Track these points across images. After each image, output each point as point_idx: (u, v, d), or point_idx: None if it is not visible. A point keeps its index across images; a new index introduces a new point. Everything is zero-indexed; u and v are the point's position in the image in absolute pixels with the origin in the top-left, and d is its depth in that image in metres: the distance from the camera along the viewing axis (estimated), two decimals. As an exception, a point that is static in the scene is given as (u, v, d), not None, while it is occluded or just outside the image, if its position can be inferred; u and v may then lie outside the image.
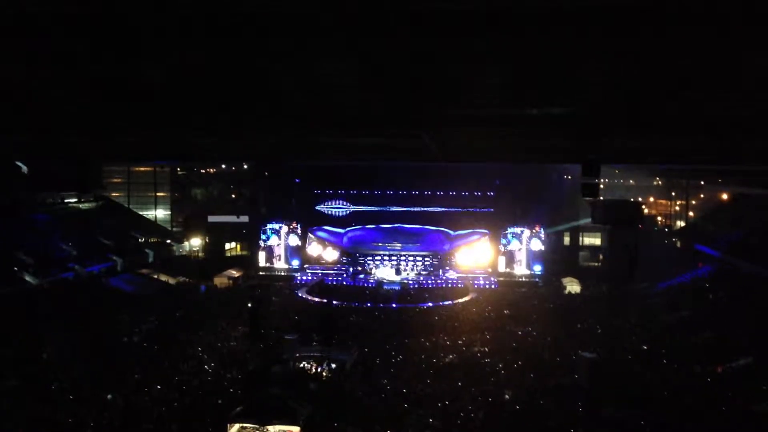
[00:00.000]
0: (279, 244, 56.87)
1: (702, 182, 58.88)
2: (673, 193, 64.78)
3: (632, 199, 53.97)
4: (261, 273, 55.68)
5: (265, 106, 10.53)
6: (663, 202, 66.78)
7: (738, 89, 8.87)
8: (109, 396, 21.94)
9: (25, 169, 45.45)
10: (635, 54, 6.96)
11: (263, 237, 56.68)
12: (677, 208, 64.36)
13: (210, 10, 5.37)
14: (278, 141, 17.50)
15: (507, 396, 23.08)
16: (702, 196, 61.20)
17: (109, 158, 36.39)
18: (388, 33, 5.74)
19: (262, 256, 56.78)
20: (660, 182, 66.41)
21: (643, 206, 46.57)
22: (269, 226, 56.87)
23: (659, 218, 65.26)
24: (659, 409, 21.13)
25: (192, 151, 23.83)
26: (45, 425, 19.34)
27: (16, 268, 37.71)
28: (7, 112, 12.04)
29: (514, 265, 54.51)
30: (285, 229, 56.96)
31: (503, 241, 54.74)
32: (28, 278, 37.20)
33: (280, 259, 56.90)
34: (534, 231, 54.25)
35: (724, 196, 56.48)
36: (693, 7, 5.15)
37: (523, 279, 53.52)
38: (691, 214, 61.52)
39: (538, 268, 54.05)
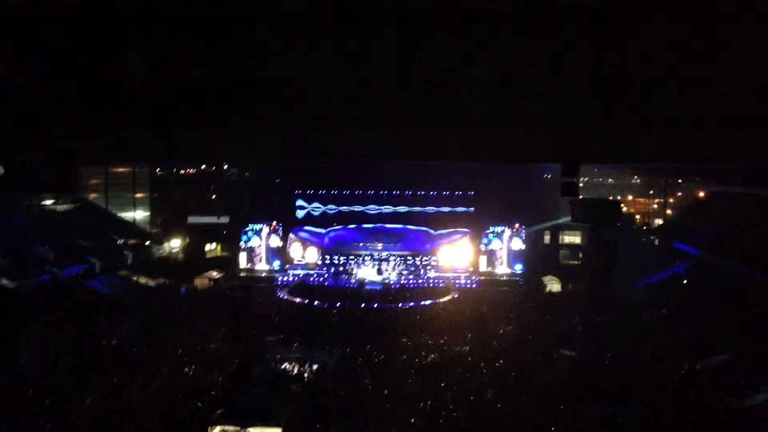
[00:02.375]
0: (260, 245, 56.66)
1: (680, 180, 59.60)
2: (652, 192, 65.52)
3: (611, 198, 54.49)
4: (242, 274, 55.42)
5: (244, 104, 10.47)
6: (641, 200, 67.54)
7: (716, 86, 8.95)
8: (88, 400, 21.69)
9: (1, 169, 44.89)
10: (613, 51, 7.00)
11: (244, 238, 56.45)
12: (655, 206, 65.08)
13: (193, 7, 5.32)
14: (259, 140, 17.39)
15: (489, 395, 23.13)
16: (680, 194, 61.96)
17: (89, 157, 36.01)
18: (367, 30, 5.72)
19: (242, 257, 56.53)
20: (638, 180, 67.13)
21: (622, 205, 47.04)
22: (250, 226, 56.63)
23: (638, 216, 65.93)
24: (639, 405, 21.31)
25: (174, 150, 23.61)
26: (23, 430, 19.08)
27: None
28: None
29: (495, 264, 54.79)
30: (266, 229, 56.77)
31: (484, 240, 54.99)
32: (4, 281, 36.67)
33: (261, 260, 56.70)
34: (514, 230, 54.59)
35: (702, 194, 57.18)
36: (670, 7, 5.17)
37: (504, 278, 53.79)
38: (669, 212, 62.20)
39: (518, 267, 54.37)
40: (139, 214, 65.37)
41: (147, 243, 58.83)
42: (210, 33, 6.40)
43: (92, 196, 61.89)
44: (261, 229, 56.69)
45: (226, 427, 19.72)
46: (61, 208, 53.90)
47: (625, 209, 60.36)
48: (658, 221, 63.44)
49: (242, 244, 56.64)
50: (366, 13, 5.49)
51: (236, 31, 6.27)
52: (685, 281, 41.80)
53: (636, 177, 67.11)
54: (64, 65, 8.20)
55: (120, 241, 54.95)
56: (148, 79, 8.90)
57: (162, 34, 6.50)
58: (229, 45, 6.90)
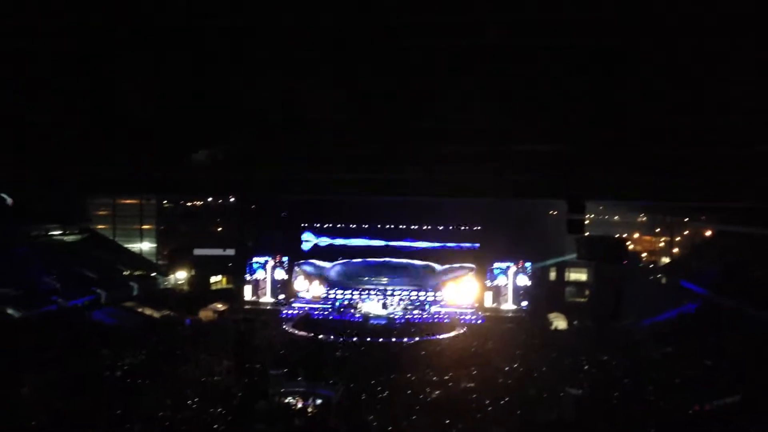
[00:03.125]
0: (265, 277, 56.63)
1: (686, 219, 59.52)
2: (658, 230, 65.38)
3: (617, 235, 54.41)
4: (247, 307, 55.26)
5: (247, 143, 10.63)
6: (648, 238, 67.36)
7: (720, 128, 9.07)
8: (90, 432, 21.59)
9: (9, 201, 45.29)
10: (618, 91, 7.12)
11: (249, 271, 56.47)
12: (662, 244, 64.89)
13: (196, 47, 5.47)
14: (263, 176, 17.55)
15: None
16: (686, 232, 61.81)
17: (95, 190, 36.25)
18: (372, 68, 5.86)
19: (248, 290, 56.45)
20: (645, 218, 67.05)
21: (628, 242, 46.95)
22: (255, 259, 56.70)
23: (644, 254, 65.71)
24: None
25: (178, 184, 23.83)
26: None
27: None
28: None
29: (501, 301, 54.54)
30: (271, 262, 56.78)
31: (489, 276, 54.80)
32: (10, 311, 36.70)
33: (266, 293, 56.61)
34: (520, 266, 54.43)
35: (708, 233, 57.03)
36: (672, 50, 5.31)
37: (510, 314, 53.45)
38: (675, 250, 62.01)
39: (524, 304, 54.07)
40: (146, 246, 65.57)
41: (153, 274, 58.88)
42: (215, 75, 6.58)
43: (99, 227, 62.17)
44: (266, 262, 56.72)
45: (229, 462, 19.56)
46: (68, 238, 54.15)
47: (631, 247, 60.20)
48: (665, 259, 63.19)
49: (247, 277, 56.63)
50: (369, 56, 5.64)
51: (242, 72, 6.44)
52: (692, 320, 41.46)
53: (642, 215, 67.02)
54: (71, 104, 8.38)
55: (126, 272, 55.03)
56: (152, 119, 9.08)
57: (165, 73, 6.68)
58: (233, 86, 7.08)
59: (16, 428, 21.58)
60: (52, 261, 46.82)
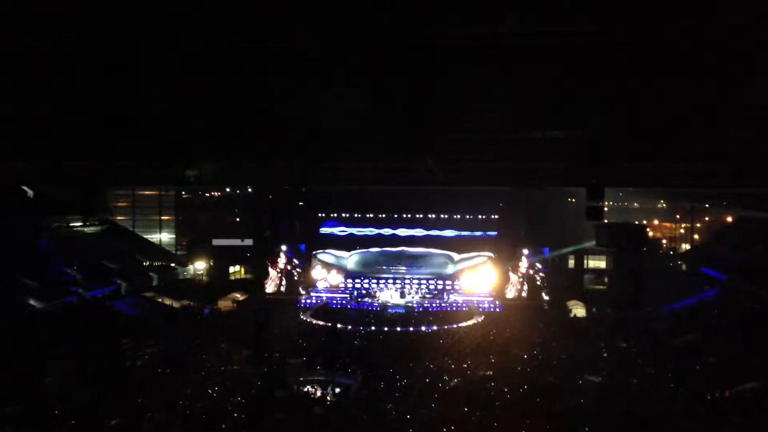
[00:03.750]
0: (283, 267, 56.84)
1: (707, 205, 58.87)
2: (678, 216, 64.73)
3: (636, 222, 54.08)
4: (265, 296, 55.56)
5: (266, 133, 10.62)
6: (668, 224, 66.72)
7: (738, 113, 8.92)
8: (112, 421, 21.82)
9: (30, 193, 45.77)
10: (635, 80, 7.02)
11: (267, 261, 56.66)
12: (682, 230, 64.27)
13: (211, 45, 5.45)
14: (281, 167, 17.60)
15: (517, 422, 22.82)
16: (707, 218, 61.14)
17: (115, 182, 36.54)
18: (391, 61, 5.81)
19: (266, 280, 56.72)
20: (664, 205, 66.40)
21: (648, 229, 46.58)
22: (273, 249, 56.88)
23: (664, 241, 65.13)
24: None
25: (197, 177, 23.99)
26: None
27: (20, 292, 37.71)
28: (14, 140, 12.17)
29: (519, 289, 54.33)
30: (289, 252, 56.98)
31: (507, 264, 54.60)
32: (32, 302, 37.19)
33: (284, 283, 56.83)
34: (538, 254, 54.17)
35: (729, 219, 56.40)
36: (685, 43, 5.22)
37: (528, 302, 53.26)
38: (696, 237, 61.40)
39: (542, 292, 53.84)
40: (165, 236, 66.09)
41: (172, 265, 59.39)
42: (232, 68, 6.56)
43: (119, 218, 62.75)
44: (284, 252, 56.92)
45: (249, 450, 19.72)
46: (89, 230, 54.71)
47: (650, 234, 59.70)
48: (685, 246, 62.61)
49: (266, 267, 56.87)
50: (385, 47, 5.60)
51: (262, 65, 6.42)
52: (712, 307, 41.09)
53: (662, 201, 66.39)
54: (88, 99, 8.42)
55: (146, 263, 55.54)
56: (170, 113, 9.11)
57: (184, 71, 6.68)
58: (252, 76, 7.06)
59: (40, 416, 21.87)
60: (73, 252, 47.37)
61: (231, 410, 24.20)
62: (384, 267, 57.57)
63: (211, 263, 61.91)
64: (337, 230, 61.50)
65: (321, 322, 44.89)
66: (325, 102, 7.64)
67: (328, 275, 58.19)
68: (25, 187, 44.35)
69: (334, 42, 5.08)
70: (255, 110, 8.35)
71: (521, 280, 54.32)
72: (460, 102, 8.24)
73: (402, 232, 60.02)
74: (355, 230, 61.18)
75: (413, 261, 57.53)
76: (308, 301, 53.81)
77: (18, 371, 25.83)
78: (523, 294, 54.11)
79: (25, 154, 15.25)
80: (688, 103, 8.20)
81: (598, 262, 60.27)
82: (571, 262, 60.12)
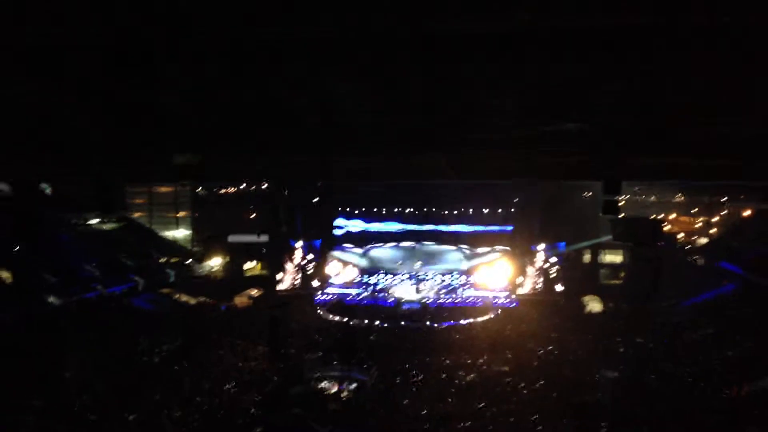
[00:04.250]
0: (299, 263, 56.96)
1: (724, 198, 58.34)
2: (696, 210, 64.20)
3: (653, 216, 53.68)
4: (281, 292, 55.76)
5: (280, 129, 10.65)
6: (684, 218, 66.16)
7: (754, 106, 8.82)
8: (131, 417, 22.04)
9: (48, 190, 46.21)
10: (650, 73, 6.97)
11: (283, 256, 56.78)
12: (699, 224, 63.72)
13: (227, 39, 5.47)
14: (297, 163, 17.66)
15: (533, 418, 22.79)
16: (724, 212, 60.59)
17: (131, 179, 36.82)
18: (404, 58, 5.80)
19: (281, 276, 56.89)
20: (681, 198, 65.86)
21: (665, 223, 46.19)
22: (289, 245, 57.02)
23: (681, 235, 64.62)
24: (685, 428, 20.80)
25: (210, 171, 24.10)
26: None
27: (40, 288, 38.11)
28: (33, 136, 12.29)
29: (534, 284, 54.10)
30: (305, 248, 57.09)
31: (522, 259, 54.38)
32: (51, 298, 37.57)
33: (299, 279, 56.96)
34: (553, 249, 53.87)
35: (747, 213, 55.85)
36: (706, 30, 5.17)
37: (544, 297, 53.05)
38: (713, 230, 60.85)
39: (558, 287, 53.58)
40: (181, 233, 66.44)
41: (188, 261, 59.73)
42: (247, 62, 6.57)
43: (136, 215, 63.19)
44: (300, 248, 57.04)
45: (266, 446, 19.84)
46: (106, 227, 55.15)
47: (667, 228, 59.22)
48: (702, 240, 62.07)
49: (281, 263, 57.03)
50: (397, 44, 5.59)
51: (272, 60, 6.43)
52: (731, 301, 40.73)
53: (679, 195, 65.84)
54: (106, 96, 8.48)
55: (162, 260, 55.90)
56: (186, 107, 9.15)
57: (199, 63, 6.71)
58: (267, 73, 7.07)
59: (60, 410, 22.13)
60: (91, 249, 47.77)
61: (248, 406, 24.36)
62: (399, 263, 57.53)
63: (227, 259, 62.21)
64: (352, 226, 61.53)
65: (336, 318, 45.01)
66: (340, 96, 7.65)
67: (343, 271, 58.26)
68: (42, 184, 44.76)
69: (349, 35, 5.09)
70: (271, 105, 8.38)
71: (537, 275, 54.06)
72: (475, 96, 8.23)
73: (417, 227, 59.97)
74: (370, 226, 61.18)
75: (428, 256, 57.44)
76: (323, 297, 53.95)
77: (38, 366, 26.16)
78: (539, 289, 53.86)
79: (42, 151, 15.40)
80: (706, 95, 8.13)
81: (614, 257, 59.86)
82: (587, 257, 59.79)
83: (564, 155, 15.23)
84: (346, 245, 59.63)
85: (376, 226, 60.94)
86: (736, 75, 7.10)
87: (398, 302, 51.18)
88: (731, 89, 7.82)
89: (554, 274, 53.76)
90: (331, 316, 46.68)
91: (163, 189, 65.14)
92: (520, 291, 53.81)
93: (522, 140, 11.65)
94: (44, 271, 40.17)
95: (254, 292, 52.50)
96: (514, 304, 51.04)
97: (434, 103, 8.18)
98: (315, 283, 56.75)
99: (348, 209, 61.56)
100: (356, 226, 61.51)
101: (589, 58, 6.42)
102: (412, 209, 59.87)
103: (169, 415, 22.61)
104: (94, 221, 53.72)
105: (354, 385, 26.91)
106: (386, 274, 56.78)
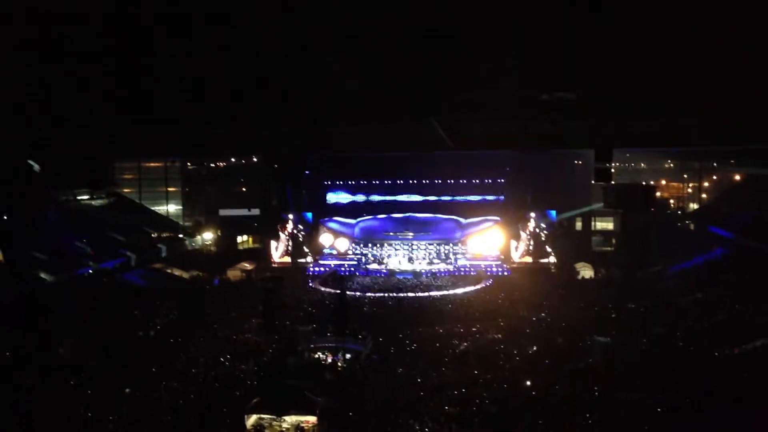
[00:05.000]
0: (291, 236, 56.87)
1: (714, 164, 58.50)
2: (686, 176, 64.41)
3: (644, 183, 53.84)
4: (274, 265, 55.81)
5: (273, 100, 10.52)
6: (675, 184, 66.43)
7: (745, 69, 8.76)
8: (126, 390, 22.12)
9: (37, 167, 45.79)
10: (645, 38, 6.88)
11: (275, 229, 56.63)
12: (690, 190, 63.99)
13: (219, 6, 5.35)
14: (288, 133, 17.51)
15: (527, 383, 23.01)
16: (715, 177, 60.82)
17: (122, 154, 36.48)
18: (399, 17, 5.69)
19: (274, 249, 56.85)
20: (672, 165, 66.03)
21: (656, 189, 46.33)
22: (281, 218, 56.80)
23: (672, 201, 64.90)
24: (675, 392, 21.06)
25: (203, 145, 23.90)
26: (64, 420, 19.50)
27: (31, 266, 37.97)
28: (21, 111, 12.11)
29: (526, 252, 54.32)
30: (296, 220, 56.96)
31: (515, 228, 54.50)
32: (43, 275, 37.47)
33: (292, 251, 56.94)
34: (545, 217, 54.00)
35: (737, 177, 56.07)
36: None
37: (536, 265, 53.34)
38: (704, 196, 61.14)
39: (550, 254, 53.85)
40: (172, 208, 66.19)
41: (180, 236, 59.60)
42: (236, 32, 6.45)
43: (126, 190, 62.81)
44: (292, 220, 56.91)
45: (262, 416, 19.98)
46: (96, 203, 54.86)
47: (658, 194, 59.40)
48: (693, 206, 62.39)
49: (273, 236, 56.94)
50: (389, 5, 5.49)
51: (263, 29, 6.30)
52: (721, 266, 41.05)
53: (669, 161, 65.98)
54: (94, 69, 8.33)
55: (154, 235, 55.74)
56: (175, 79, 9.01)
57: (188, 34, 6.58)
58: (256, 43, 6.95)
59: (55, 387, 22.17)
60: (81, 225, 47.53)
61: (244, 378, 24.50)
62: (391, 233, 57.57)
63: (219, 234, 62.14)
64: (344, 197, 61.45)
65: (330, 290, 45.11)
66: (331, 66, 7.53)
67: (336, 242, 58.32)
68: (30, 161, 44.36)
69: (340, 1, 4.99)
70: (261, 75, 8.25)
71: (529, 243, 54.26)
72: (467, 64, 8.12)
73: (409, 198, 59.95)
74: (362, 197, 61.11)
75: (421, 227, 57.50)
76: (316, 269, 54.05)
77: (33, 343, 26.15)
78: (531, 257, 54.12)
79: (31, 126, 15.21)
80: (695, 60, 8.05)
81: (605, 224, 60.25)
82: (579, 225, 60.08)
83: (556, 123, 15.16)
84: (338, 217, 59.58)
85: (368, 197, 60.83)
86: (729, 37, 7.02)
87: (391, 272, 51.37)
88: (725, 52, 7.75)
89: (546, 242, 53.96)
90: (324, 287, 46.81)
91: (153, 164, 64.71)
92: (513, 259, 54.03)
93: (515, 108, 11.57)
94: (34, 249, 39.97)
95: (247, 266, 52.54)
96: (507, 273, 51.32)
97: (430, 70, 8.07)
98: (308, 256, 56.80)
99: (340, 181, 61.37)
100: (348, 197, 61.41)
101: (582, 25, 6.33)
102: (404, 180, 59.75)
103: (166, 388, 22.71)
104: (83, 197, 53.40)
105: (348, 356, 27.07)
106: (379, 245, 56.88)
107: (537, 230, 54.03)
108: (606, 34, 6.75)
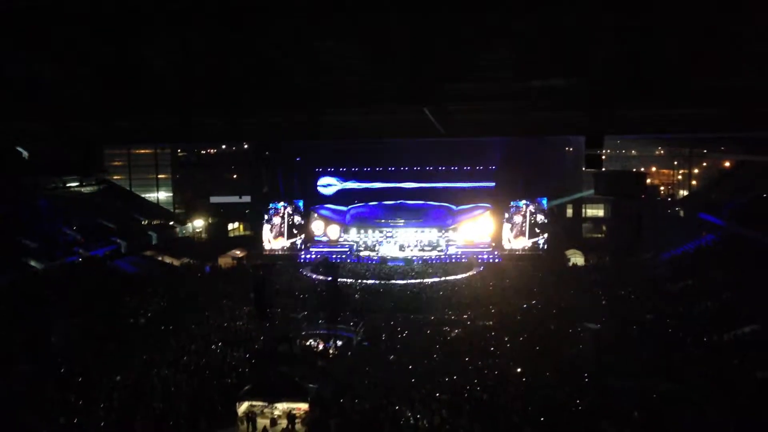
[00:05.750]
0: (282, 223, 56.80)
1: (704, 150, 58.67)
2: (676, 162, 64.61)
3: (635, 170, 53.96)
4: (265, 252, 55.75)
5: (266, 87, 10.43)
6: (665, 171, 66.62)
7: (741, 56, 8.75)
8: (117, 377, 22.10)
9: (25, 153, 45.44)
10: (636, 26, 6.86)
11: (266, 217, 56.57)
12: (680, 177, 64.22)
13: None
14: (280, 120, 17.41)
15: (518, 370, 23.12)
16: (705, 164, 61.04)
17: (112, 141, 36.21)
18: (390, 10, 5.64)
19: (265, 236, 56.78)
20: (662, 152, 66.20)
21: (646, 176, 46.43)
22: (272, 205, 56.74)
23: (662, 188, 65.12)
24: (665, 378, 21.22)
25: (194, 132, 23.69)
26: (56, 407, 19.48)
27: (20, 253, 37.76)
28: (9, 99, 11.98)
29: (517, 239, 54.44)
30: (287, 207, 56.86)
31: (506, 214, 54.59)
32: (33, 263, 37.26)
33: (283, 238, 56.91)
34: (536, 204, 54.09)
35: (727, 164, 56.29)
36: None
37: (527, 252, 53.51)
38: (694, 182, 61.38)
39: (541, 241, 54.00)
40: (162, 195, 65.93)
41: (171, 223, 59.38)
42: (231, 19, 6.38)
43: (115, 177, 62.48)
44: (282, 208, 56.81)
45: (254, 403, 20.01)
46: (85, 189, 54.53)
47: (648, 181, 59.58)
48: (683, 192, 62.64)
49: (264, 223, 56.87)
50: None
51: (257, 16, 6.23)
52: (710, 252, 41.28)
53: (659, 148, 66.15)
54: (84, 55, 8.23)
55: (144, 222, 55.51)
56: (167, 66, 8.92)
57: (181, 21, 6.49)
58: (249, 30, 6.87)
59: (46, 375, 22.13)
60: (71, 213, 47.26)
61: (235, 365, 24.51)
62: (383, 220, 57.64)
63: (210, 221, 61.98)
64: (335, 184, 61.35)
65: (321, 277, 45.11)
66: (323, 53, 7.47)
67: (327, 230, 58.31)
68: (20, 148, 43.98)
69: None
70: (251, 62, 8.18)
71: (520, 230, 54.35)
72: (459, 51, 8.07)
73: (400, 185, 59.91)
74: (353, 184, 61.01)
75: (412, 214, 57.56)
76: (308, 256, 54.05)
77: (24, 331, 26.05)
78: (522, 244, 54.25)
79: (19, 113, 15.05)
80: (685, 46, 8.03)
81: (596, 211, 60.43)
82: (570, 211, 60.26)
83: (547, 110, 15.13)
84: (329, 204, 59.51)
85: (359, 184, 60.76)
86: (719, 24, 7.00)
87: (383, 260, 51.43)
88: (715, 39, 7.73)
89: (537, 229, 54.08)
90: (315, 275, 46.82)
91: (142, 151, 64.36)
92: (504, 246, 54.15)
93: (508, 95, 11.53)
94: (24, 236, 39.73)
95: (238, 253, 52.46)
96: (498, 260, 51.48)
97: (420, 58, 8.01)
98: (299, 243, 56.76)
99: (331, 168, 61.25)
100: (339, 184, 61.31)
101: (574, 11, 6.29)
102: (395, 167, 59.67)
103: (157, 375, 22.70)
104: (73, 184, 53.06)
105: (340, 343, 27.14)
106: (370, 232, 56.91)
107: (528, 217, 54.10)
108: (599, 21, 6.70)
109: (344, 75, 9.21)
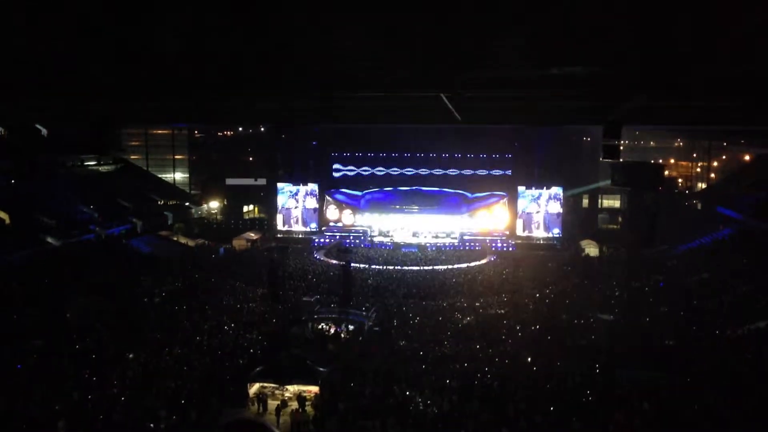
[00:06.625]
0: (297, 206, 56.98)
1: (725, 143, 58.02)
2: (695, 155, 63.94)
3: (653, 161, 53.49)
4: (279, 235, 55.99)
5: (284, 71, 10.42)
6: (684, 163, 65.98)
7: (762, 48, 8.61)
8: (131, 356, 22.32)
9: (44, 132, 45.77)
10: (657, 14, 6.76)
11: (281, 200, 56.67)
12: (699, 169, 63.58)
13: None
14: (297, 104, 17.40)
15: (529, 359, 23.08)
16: (724, 157, 60.37)
17: (130, 121, 36.39)
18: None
19: (279, 219, 57.01)
20: (681, 144, 65.55)
21: (664, 168, 45.96)
22: (287, 188, 56.82)
23: (680, 180, 64.54)
24: (678, 370, 21.10)
25: (211, 114, 23.76)
26: (70, 383, 19.72)
27: (38, 230, 38.16)
28: (28, 78, 12.05)
29: (532, 228, 54.26)
30: (303, 191, 57.01)
31: (521, 203, 54.39)
32: (50, 240, 37.67)
33: (297, 222, 57.11)
34: (552, 193, 53.81)
35: (747, 158, 55.65)
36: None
37: (541, 242, 53.36)
38: (712, 175, 60.76)
39: (556, 231, 53.80)
40: (179, 176, 66.30)
41: (186, 204, 59.73)
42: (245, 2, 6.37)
43: (133, 157, 62.88)
44: (298, 191, 56.97)
45: (265, 385, 20.16)
46: (103, 168, 54.95)
47: (666, 173, 59.05)
48: (701, 185, 62.04)
49: (279, 206, 57.06)
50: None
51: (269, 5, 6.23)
52: (727, 246, 40.91)
53: (678, 140, 65.49)
54: (100, 36, 8.26)
55: (160, 202, 55.88)
56: (181, 47, 8.92)
57: (195, 5, 6.50)
58: (265, 10, 6.85)
59: (63, 351, 22.39)
60: (87, 191, 47.66)
61: (247, 346, 24.68)
62: (397, 206, 57.60)
63: (225, 202, 62.29)
64: (351, 169, 61.32)
65: (334, 261, 45.25)
66: (340, 38, 7.42)
67: (342, 214, 58.40)
68: (38, 126, 44.33)
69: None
70: (268, 46, 8.15)
71: (535, 219, 54.13)
72: (477, 39, 7.99)
73: (416, 171, 59.79)
74: (368, 169, 60.94)
75: (427, 200, 57.44)
76: (322, 240, 54.20)
77: (40, 307, 26.37)
78: (537, 234, 54.05)
79: (39, 92, 15.14)
80: (708, 37, 7.91)
81: (612, 202, 60.03)
82: (585, 202, 59.92)
83: (565, 99, 15.01)
84: (344, 189, 59.54)
85: (375, 170, 60.67)
86: (743, 14, 6.88)
87: (396, 245, 51.45)
88: (738, 29, 7.60)
89: (552, 219, 53.84)
90: (329, 259, 46.97)
91: (160, 131, 64.67)
92: (518, 235, 53.97)
93: (525, 83, 11.43)
94: (42, 213, 40.15)
95: (252, 235, 52.73)
96: (512, 248, 51.36)
97: (437, 46, 7.96)
98: (313, 226, 56.90)
99: (347, 153, 61.20)
100: (354, 169, 61.28)
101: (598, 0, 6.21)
102: (411, 153, 59.53)
103: (170, 354, 22.90)
104: (90, 163, 53.48)
105: (351, 327, 27.23)
106: (385, 217, 56.92)
107: (543, 206, 53.86)
108: (618, 9, 6.62)
109: (360, 61, 9.17)
